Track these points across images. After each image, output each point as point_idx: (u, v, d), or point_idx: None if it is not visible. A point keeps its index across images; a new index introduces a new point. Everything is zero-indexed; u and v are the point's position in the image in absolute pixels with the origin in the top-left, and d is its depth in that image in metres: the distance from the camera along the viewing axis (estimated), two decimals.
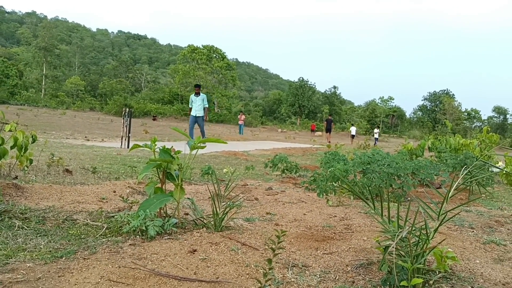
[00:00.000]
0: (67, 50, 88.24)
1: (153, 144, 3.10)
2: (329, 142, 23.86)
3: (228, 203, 3.11)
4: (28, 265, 2.10)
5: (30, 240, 2.48)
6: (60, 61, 72.26)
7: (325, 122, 31.74)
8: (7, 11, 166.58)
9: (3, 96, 50.40)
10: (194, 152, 3.15)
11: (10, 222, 2.76)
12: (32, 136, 4.56)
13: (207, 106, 12.70)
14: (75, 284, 1.92)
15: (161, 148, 3.08)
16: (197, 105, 12.61)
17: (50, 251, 2.32)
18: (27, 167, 4.63)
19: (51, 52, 66.75)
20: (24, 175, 4.62)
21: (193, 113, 12.65)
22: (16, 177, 4.37)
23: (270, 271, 1.59)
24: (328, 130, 29.59)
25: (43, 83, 64.88)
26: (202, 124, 12.85)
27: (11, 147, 4.28)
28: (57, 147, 8.65)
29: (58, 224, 2.85)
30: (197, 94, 12.63)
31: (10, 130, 4.58)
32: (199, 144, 3.08)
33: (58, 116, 30.61)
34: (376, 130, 33.82)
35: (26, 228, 2.70)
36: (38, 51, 65.89)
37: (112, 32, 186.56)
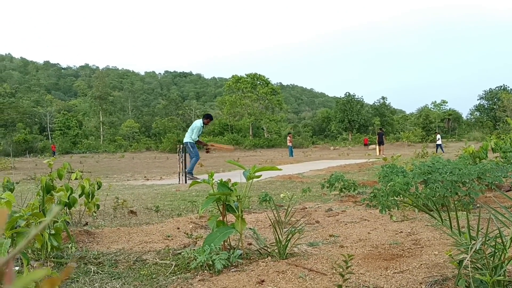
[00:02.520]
0: (119, 96, 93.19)
1: (211, 179, 3.18)
2: (381, 154, 23.27)
3: (290, 229, 3.10)
4: None
5: (105, 284, 2.60)
6: (114, 107, 76.43)
7: (377, 135, 31.15)
8: (63, 67, 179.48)
9: (66, 146, 53.76)
10: (250, 181, 3.20)
11: (86, 268, 2.91)
12: (98, 183, 4.82)
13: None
14: None
15: (218, 181, 3.15)
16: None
17: None
18: (95, 213, 4.89)
19: (106, 99, 70.77)
20: (93, 221, 4.86)
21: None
22: (86, 224, 4.61)
23: None
24: (380, 143, 28.95)
25: (101, 129, 68.63)
26: (189, 152, 11.27)
27: (79, 196, 4.54)
28: (120, 189, 9.05)
29: (130, 266, 2.97)
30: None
31: (76, 179, 4.88)
32: (255, 174, 3.12)
33: (118, 160, 32.10)
34: (438, 136, 32.04)
35: (100, 272, 2.83)
36: (94, 100, 70.10)
37: (160, 73, 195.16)
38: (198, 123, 11.34)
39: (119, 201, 5.67)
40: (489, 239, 2.13)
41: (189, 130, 11.38)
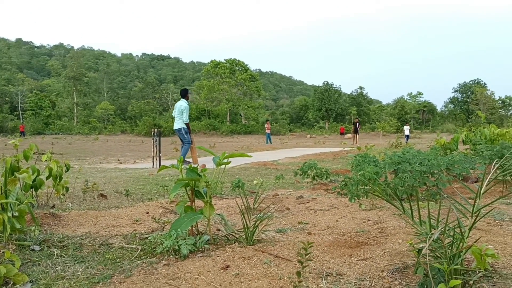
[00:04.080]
0: (95, 77, 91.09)
1: (180, 164, 3.15)
2: (356, 143, 23.72)
3: (259, 215, 3.11)
4: None
5: (68, 267, 2.56)
6: (89, 88, 74.69)
7: (353, 124, 31.91)
8: (36, 45, 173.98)
9: (38, 127, 52.42)
10: (222, 167, 3.18)
11: (49, 251, 2.85)
12: (66, 165, 4.71)
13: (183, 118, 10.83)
14: None
15: (187, 167, 3.13)
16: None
17: (88, 277, 2.38)
18: (64, 195, 4.79)
19: (80, 80, 69.09)
20: (61, 203, 4.77)
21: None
22: (53, 206, 4.52)
23: (300, 284, 1.58)
24: (355, 131, 29.77)
25: (75, 111, 67.13)
26: (181, 138, 11.06)
27: (47, 178, 4.43)
28: (92, 172, 8.90)
29: (95, 250, 2.93)
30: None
31: (46, 160, 4.75)
32: (224, 160, 3.10)
33: (91, 142, 31.52)
34: (406, 127, 33.04)
35: (64, 256, 2.79)
36: (68, 81, 68.35)
37: (137, 55, 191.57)
38: (183, 103, 10.83)
39: (89, 184, 5.57)
40: (448, 229, 2.19)
41: (178, 114, 10.83)
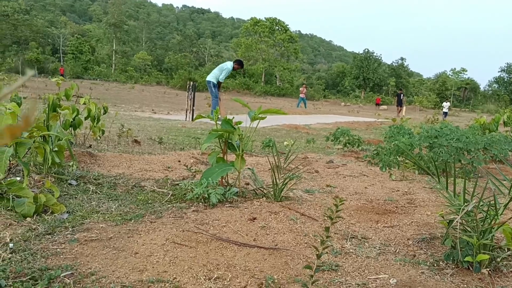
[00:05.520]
0: (134, 26, 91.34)
1: (216, 115, 3.18)
2: (401, 117, 22.68)
3: (288, 174, 3.13)
4: (101, 225, 2.27)
5: (102, 203, 2.67)
6: (128, 36, 75.08)
7: (396, 96, 30.46)
8: None
9: (77, 71, 53.52)
10: (255, 124, 3.18)
11: (85, 187, 2.98)
12: (104, 108, 4.83)
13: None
14: (143, 245, 2.05)
15: (222, 119, 3.14)
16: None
17: (121, 214, 2.48)
18: (100, 137, 4.94)
19: (120, 28, 69.42)
20: (97, 145, 4.93)
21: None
22: (90, 146, 4.68)
23: (327, 239, 1.59)
24: (399, 104, 28.25)
25: (113, 58, 67.94)
26: (210, 91, 10.84)
27: (85, 118, 4.57)
28: (127, 119, 9.10)
29: (128, 190, 3.04)
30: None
31: (84, 103, 4.88)
32: (259, 115, 3.10)
33: (128, 90, 32.08)
34: (445, 104, 31.75)
35: (99, 192, 2.90)
36: (109, 28, 68.81)
37: (177, 7, 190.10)
38: (229, 65, 10.70)
39: (124, 129, 5.71)
40: (483, 205, 2.14)
41: (217, 69, 10.76)
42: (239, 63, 11.30)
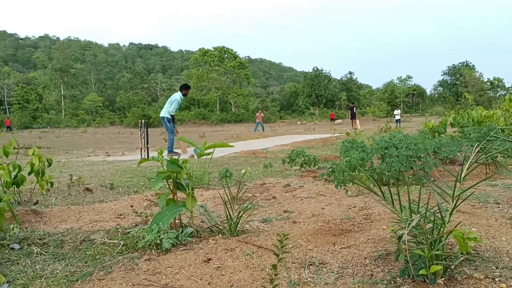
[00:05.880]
0: (82, 69, 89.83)
1: (161, 156, 3.10)
2: (355, 129, 23.14)
3: (243, 205, 3.08)
4: None
5: (47, 265, 2.51)
6: (76, 80, 73.62)
7: (350, 110, 31.28)
8: (21, 37, 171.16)
9: (25, 121, 51.76)
10: (209, 156, 3.12)
11: (29, 249, 2.80)
12: (48, 160, 4.63)
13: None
14: None
15: (169, 159, 3.07)
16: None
17: (67, 275, 2.33)
18: (48, 190, 4.71)
19: (67, 72, 68.10)
20: (45, 199, 4.69)
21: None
22: (36, 202, 4.45)
23: (276, 277, 1.55)
24: (353, 117, 29.02)
25: (63, 103, 66.29)
26: (165, 127, 11.09)
27: (29, 173, 4.36)
28: (79, 166, 8.80)
29: (76, 246, 2.88)
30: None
31: (33, 154, 4.66)
32: (205, 151, 3.05)
33: (80, 135, 31.23)
34: (396, 111, 32.93)
35: (44, 253, 2.73)
36: (55, 73, 67.32)
37: (124, 45, 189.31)
38: (177, 95, 10.92)
39: (74, 178, 5.49)
40: (430, 214, 2.17)
41: (167, 103, 10.94)
42: (185, 87, 11.39)
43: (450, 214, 2.16)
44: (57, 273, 2.37)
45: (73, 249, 2.82)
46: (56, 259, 2.62)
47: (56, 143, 19.94)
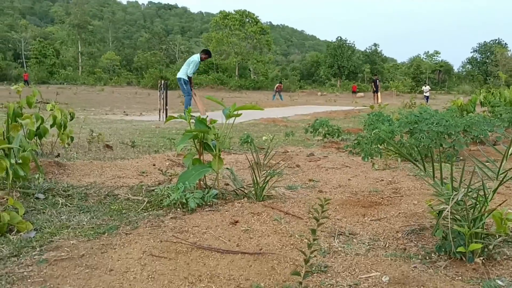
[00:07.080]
0: (100, 26, 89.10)
1: (188, 115, 3.02)
2: (377, 103, 22.41)
3: (269, 171, 3.01)
4: (71, 242, 2.10)
5: (73, 217, 2.49)
6: (94, 37, 72.92)
7: (372, 82, 30.26)
8: None
9: (42, 76, 51.94)
10: (231, 121, 3.04)
11: (53, 200, 2.79)
12: (70, 114, 4.60)
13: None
14: (118, 260, 1.90)
15: (196, 118, 2.99)
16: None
17: (93, 227, 2.31)
18: (69, 145, 4.70)
19: (85, 28, 67.53)
20: (66, 153, 4.69)
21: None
22: (58, 155, 4.44)
23: (314, 242, 1.48)
24: (376, 90, 28.02)
25: (80, 60, 66.20)
26: (181, 89, 10.96)
27: (51, 126, 4.33)
28: (97, 123, 8.82)
29: (100, 200, 2.86)
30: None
31: (51, 109, 4.63)
32: (234, 112, 2.96)
33: (97, 93, 31.39)
34: (425, 88, 31.43)
35: (69, 205, 2.72)
36: (72, 29, 66.77)
37: (143, 4, 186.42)
38: (195, 57, 10.80)
39: (94, 134, 5.47)
40: (471, 191, 2.07)
41: (185, 64, 10.82)
42: (206, 53, 11.25)
43: (494, 192, 2.06)
44: (84, 224, 2.36)
45: (98, 203, 2.80)
46: (82, 211, 2.61)
47: (73, 100, 20.04)
